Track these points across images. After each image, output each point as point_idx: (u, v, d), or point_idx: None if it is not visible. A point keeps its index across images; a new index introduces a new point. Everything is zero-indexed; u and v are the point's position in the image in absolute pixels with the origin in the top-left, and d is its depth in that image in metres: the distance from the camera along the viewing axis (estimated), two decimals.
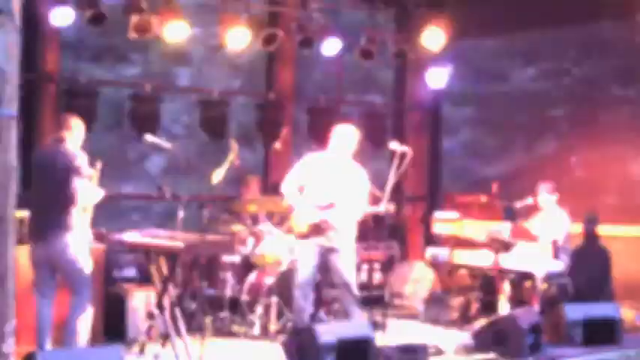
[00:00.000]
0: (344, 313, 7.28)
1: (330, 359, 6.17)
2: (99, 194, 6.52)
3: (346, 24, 11.82)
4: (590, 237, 9.95)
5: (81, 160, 6.25)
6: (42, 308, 6.25)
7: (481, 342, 7.12)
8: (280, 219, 8.35)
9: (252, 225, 8.44)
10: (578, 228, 9.75)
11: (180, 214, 7.56)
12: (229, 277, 8.07)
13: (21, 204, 6.47)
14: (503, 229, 8.36)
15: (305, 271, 7.16)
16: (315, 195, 7.20)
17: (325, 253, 7.18)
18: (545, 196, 8.86)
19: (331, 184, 7.20)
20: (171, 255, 6.46)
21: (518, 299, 8.34)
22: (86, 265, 6.26)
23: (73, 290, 6.21)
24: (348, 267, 7.19)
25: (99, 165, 6.69)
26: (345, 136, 7.24)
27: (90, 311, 6.25)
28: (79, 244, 6.24)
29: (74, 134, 6.40)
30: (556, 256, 8.71)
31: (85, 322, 6.21)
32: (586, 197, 10.12)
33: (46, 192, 6.27)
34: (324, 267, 7.28)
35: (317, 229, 7.17)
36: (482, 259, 8.49)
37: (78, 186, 6.18)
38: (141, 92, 9.35)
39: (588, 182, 10.36)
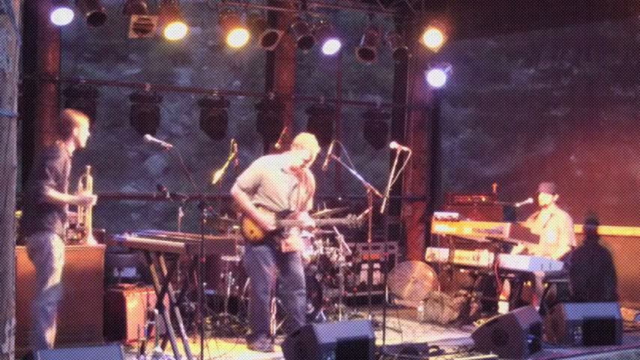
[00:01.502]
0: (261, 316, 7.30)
1: (330, 359, 6.17)
2: (85, 200, 6.46)
3: (346, 24, 11.84)
4: (590, 237, 9.96)
5: (52, 161, 6.13)
6: None
7: (481, 342, 7.12)
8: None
9: None
10: (578, 228, 9.76)
11: (180, 214, 7.57)
12: (229, 277, 8.07)
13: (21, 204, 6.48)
14: (503, 229, 8.36)
15: (267, 276, 7.20)
16: (270, 200, 7.25)
17: (282, 257, 7.28)
18: (546, 195, 8.87)
19: (286, 190, 7.29)
20: (171, 255, 6.46)
21: (518, 299, 8.34)
22: (55, 269, 6.15)
23: (39, 292, 6.13)
24: (301, 271, 7.38)
25: (88, 169, 6.67)
26: (308, 144, 7.29)
27: (53, 316, 6.13)
28: (54, 246, 6.15)
29: (72, 132, 6.31)
30: (566, 259, 8.70)
31: (46, 328, 6.08)
32: (586, 197, 10.12)
33: (25, 191, 6.38)
34: (282, 270, 7.34)
35: (274, 235, 7.23)
36: (483, 259, 8.49)
37: (42, 186, 6.04)
38: (141, 92, 9.35)
39: (588, 182, 10.36)
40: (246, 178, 7.30)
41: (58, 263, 6.18)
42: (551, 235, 8.77)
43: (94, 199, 6.47)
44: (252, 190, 7.27)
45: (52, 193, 6.08)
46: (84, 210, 6.84)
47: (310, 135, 7.45)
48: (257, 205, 7.25)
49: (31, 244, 6.21)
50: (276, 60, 10.42)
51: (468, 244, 8.97)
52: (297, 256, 7.39)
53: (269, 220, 7.19)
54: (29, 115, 8.65)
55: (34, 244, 6.18)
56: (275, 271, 7.30)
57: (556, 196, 8.88)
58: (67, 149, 6.31)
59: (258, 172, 7.31)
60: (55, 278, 6.15)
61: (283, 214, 7.25)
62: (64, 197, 6.22)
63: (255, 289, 7.25)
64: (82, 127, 6.35)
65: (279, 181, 7.28)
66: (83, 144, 6.39)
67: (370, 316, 7.97)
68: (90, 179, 6.71)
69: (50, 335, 6.12)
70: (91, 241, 6.98)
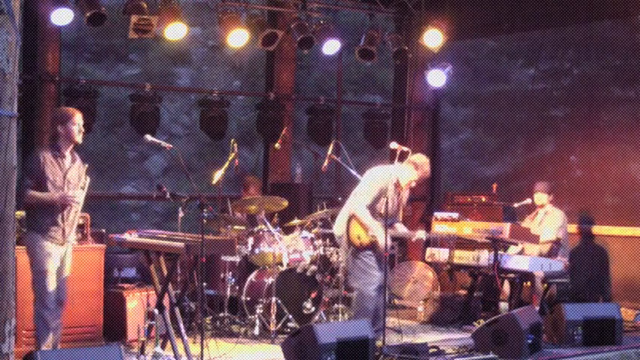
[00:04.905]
0: (375, 315, 7.37)
1: (330, 359, 6.17)
2: (65, 198, 6.15)
3: (346, 24, 11.85)
4: (586, 237, 9.97)
5: (27, 162, 6.09)
6: None
7: (481, 342, 7.11)
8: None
9: (252, 225, 8.44)
10: (575, 228, 9.78)
11: (180, 214, 7.57)
12: (229, 277, 8.08)
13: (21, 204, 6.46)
14: (503, 229, 8.36)
15: (376, 276, 7.35)
16: (378, 209, 7.38)
17: (379, 260, 7.44)
18: (542, 195, 8.89)
19: (395, 201, 7.48)
20: (171, 255, 6.46)
21: (518, 299, 8.34)
22: (44, 271, 6.06)
23: (35, 295, 6.10)
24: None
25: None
26: (424, 167, 7.48)
27: (50, 321, 6.07)
28: (38, 246, 6.07)
29: (56, 129, 6.17)
30: (555, 254, 8.72)
31: (44, 334, 6.04)
32: (585, 197, 10.13)
33: None
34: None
35: (376, 244, 7.39)
36: (482, 259, 8.49)
37: (22, 189, 5.94)
38: (141, 92, 9.35)
39: (588, 182, 10.36)
40: (370, 194, 7.37)
41: (49, 265, 6.08)
42: (547, 233, 8.78)
43: (77, 196, 6.18)
44: (372, 204, 7.39)
45: (31, 193, 6.02)
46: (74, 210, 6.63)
47: (426, 159, 7.60)
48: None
49: (24, 245, 6.19)
50: (276, 60, 10.42)
51: (468, 244, 8.96)
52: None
53: (380, 232, 7.28)
54: (29, 115, 8.65)
55: (25, 246, 6.16)
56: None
57: (551, 196, 8.90)
58: (59, 147, 6.17)
59: (381, 186, 7.39)
60: (48, 281, 6.06)
61: (390, 224, 7.38)
62: (43, 196, 6.06)
63: (367, 288, 7.37)
64: (68, 123, 6.16)
65: (392, 193, 7.43)
66: (76, 138, 6.18)
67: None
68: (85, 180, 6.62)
69: (48, 341, 6.06)
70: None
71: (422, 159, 7.57)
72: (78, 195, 6.20)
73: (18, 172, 5.16)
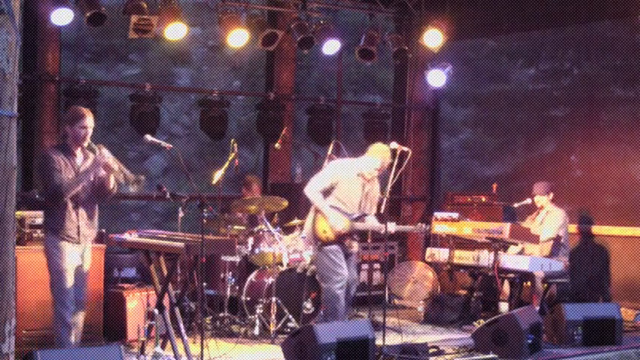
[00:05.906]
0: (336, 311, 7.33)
1: (330, 359, 6.17)
2: (97, 161, 6.14)
3: (346, 24, 11.85)
4: (590, 237, 9.97)
5: (47, 163, 5.99)
6: None
7: (481, 342, 7.12)
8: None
9: (252, 225, 8.44)
10: (576, 228, 9.78)
11: (180, 214, 7.57)
12: (229, 277, 8.08)
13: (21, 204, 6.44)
14: (503, 229, 8.36)
15: (341, 273, 7.28)
16: (342, 203, 7.35)
17: (347, 256, 7.42)
18: (541, 197, 8.88)
19: (359, 194, 7.39)
20: (171, 255, 6.46)
21: (518, 299, 8.34)
22: (60, 270, 6.02)
23: (53, 296, 6.05)
24: (355, 268, 7.65)
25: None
26: (382, 154, 7.40)
27: (63, 318, 6.00)
28: (52, 246, 6.03)
29: (65, 130, 6.14)
30: (556, 254, 8.72)
31: (67, 334, 6.01)
32: (586, 197, 10.13)
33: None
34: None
35: (346, 236, 7.35)
36: (483, 259, 8.49)
37: (58, 186, 5.93)
38: (141, 92, 9.35)
39: (588, 182, 10.36)
40: (321, 180, 7.38)
41: (66, 264, 6.04)
42: (548, 231, 8.78)
43: (105, 153, 6.16)
44: (326, 192, 7.36)
45: (69, 185, 5.96)
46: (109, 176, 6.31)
47: (384, 146, 7.52)
48: (330, 207, 7.34)
49: (42, 248, 6.16)
50: (276, 60, 10.42)
51: (468, 244, 8.96)
52: (355, 255, 7.61)
53: (341, 224, 7.28)
54: (29, 115, 8.65)
55: (43, 247, 6.13)
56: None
57: (551, 195, 8.90)
58: (68, 146, 6.12)
59: (334, 175, 7.38)
60: (66, 280, 6.02)
61: (357, 217, 7.36)
62: (78, 178, 6.01)
63: (332, 285, 7.28)
64: (76, 125, 6.09)
65: (354, 185, 7.38)
66: (81, 141, 6.11)
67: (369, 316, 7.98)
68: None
69: (70, 342, 6.03)
70: None
71: (379, 147, 7.48)
72: (105, 153, 6.19)
73: (18, 172, 5.16)
